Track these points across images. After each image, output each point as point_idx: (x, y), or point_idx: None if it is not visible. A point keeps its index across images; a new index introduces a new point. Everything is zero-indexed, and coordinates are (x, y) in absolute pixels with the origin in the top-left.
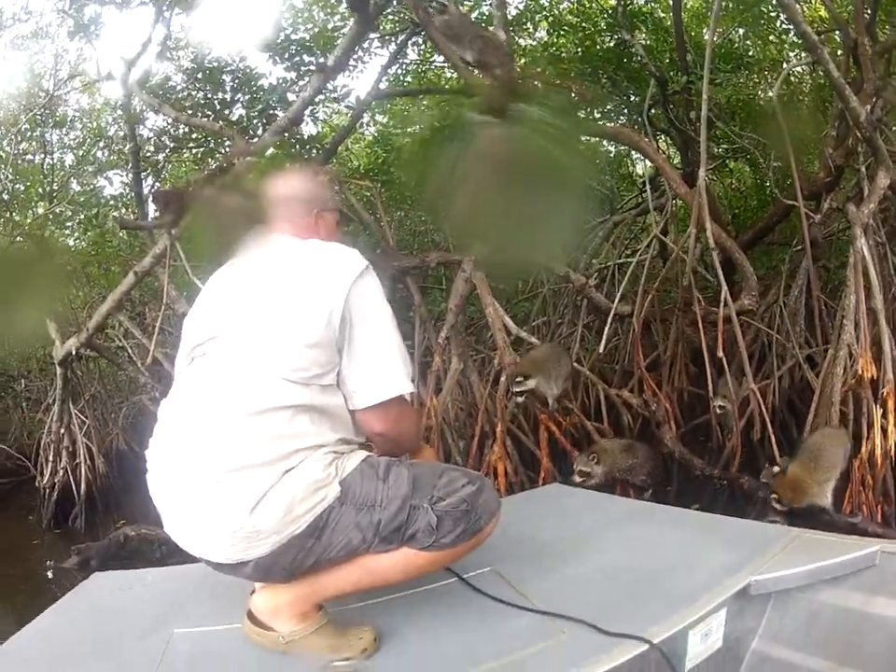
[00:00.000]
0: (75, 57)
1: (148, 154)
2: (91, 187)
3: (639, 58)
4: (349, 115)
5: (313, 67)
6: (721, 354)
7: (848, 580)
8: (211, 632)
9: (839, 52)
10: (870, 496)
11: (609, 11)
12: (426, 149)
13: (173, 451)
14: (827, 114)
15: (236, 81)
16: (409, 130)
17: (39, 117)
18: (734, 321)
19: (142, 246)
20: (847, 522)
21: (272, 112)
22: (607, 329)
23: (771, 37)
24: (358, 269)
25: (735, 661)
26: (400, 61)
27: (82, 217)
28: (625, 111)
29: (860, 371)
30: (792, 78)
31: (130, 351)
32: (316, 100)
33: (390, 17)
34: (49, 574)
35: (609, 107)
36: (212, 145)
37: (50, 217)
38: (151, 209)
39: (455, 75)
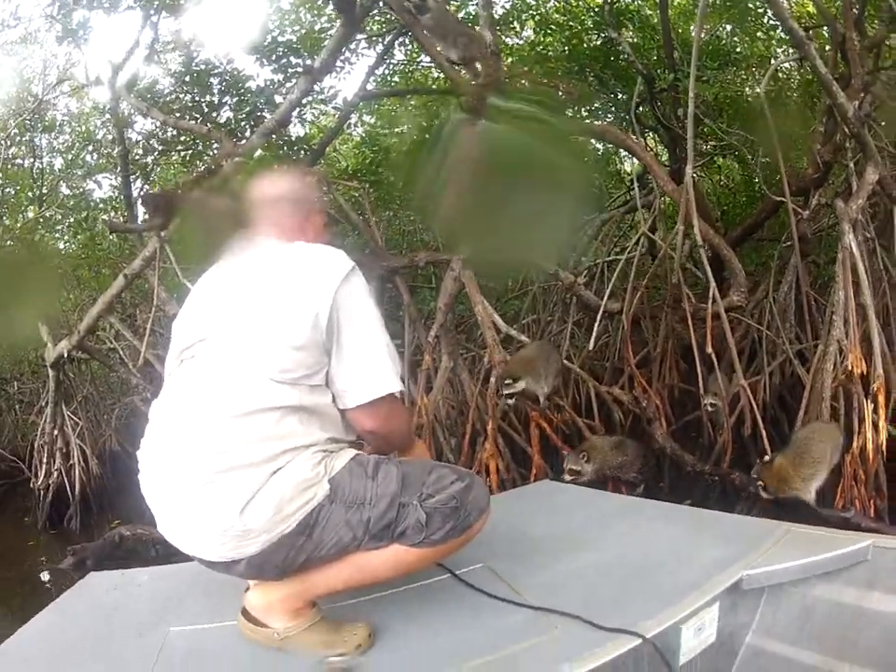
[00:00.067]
0: (63, 62)
1: (137, 157)
2: (81, 190)
3: (626, 56)
4: (336, 116)
5: (300, 69)
6: (710, 350)
7: (841, 574)
8: (206, 629)
9: (827, 48)
10: (862, 490)
11: (596, 9)
12: (413, 150)
13: (164, 452)
14: (815, 110)
15: (224, 84)
16: (396, 130)
17: (28, 121)
18: (723, 317)
19: (132, 249)
20: (840, 516)
21: (259, 114)
22: (596, 326)
23: (758, 34)
24: (345, 270)
25: (730, 655)
26: (387, 61)
27: (72, 220)
28: (613, 109)
29: (850, 367)
30: (780, 74)
31: (121, 353)
32: (304, 101)
33: (377, 18)
34: (46, 575)
35: (596, 105)
36: (200, 147)
37: (40, 220)
38: (140, 212)
39: (441, 75)
